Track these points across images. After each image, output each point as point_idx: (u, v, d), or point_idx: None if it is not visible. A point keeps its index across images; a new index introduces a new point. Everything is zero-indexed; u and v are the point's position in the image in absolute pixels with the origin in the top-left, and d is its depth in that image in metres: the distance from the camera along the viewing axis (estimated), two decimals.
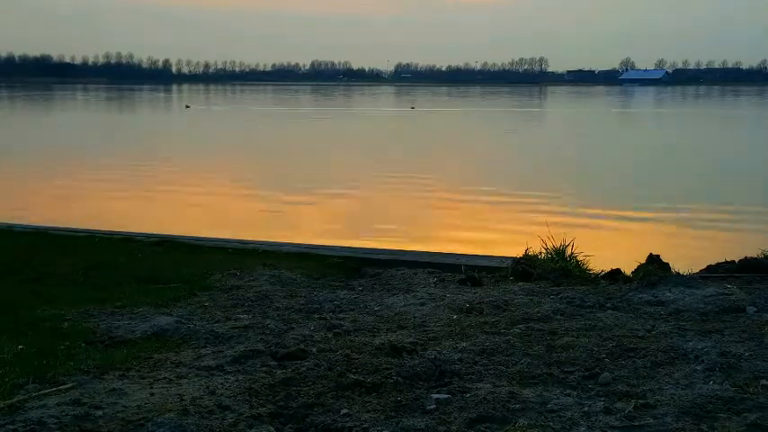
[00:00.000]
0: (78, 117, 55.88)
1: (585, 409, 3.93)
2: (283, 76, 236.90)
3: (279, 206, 16.00)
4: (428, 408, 3.99)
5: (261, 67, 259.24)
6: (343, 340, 5.21)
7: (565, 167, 22.25)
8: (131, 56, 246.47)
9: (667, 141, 33.51)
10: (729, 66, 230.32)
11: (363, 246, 9.92)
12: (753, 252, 7.35)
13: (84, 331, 5.41)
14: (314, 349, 4.96)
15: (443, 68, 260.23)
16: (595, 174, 21.19)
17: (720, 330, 5.27)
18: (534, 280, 6.99)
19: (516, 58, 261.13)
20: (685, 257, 9.08)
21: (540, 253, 7.48)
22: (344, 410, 3.94)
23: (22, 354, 4.83)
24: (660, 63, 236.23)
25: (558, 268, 7.16)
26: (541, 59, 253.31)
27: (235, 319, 5.81)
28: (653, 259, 7.30)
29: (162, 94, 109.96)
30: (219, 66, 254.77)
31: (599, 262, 7.63)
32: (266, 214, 15.11)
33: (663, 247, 9.59)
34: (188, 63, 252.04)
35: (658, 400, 4.02)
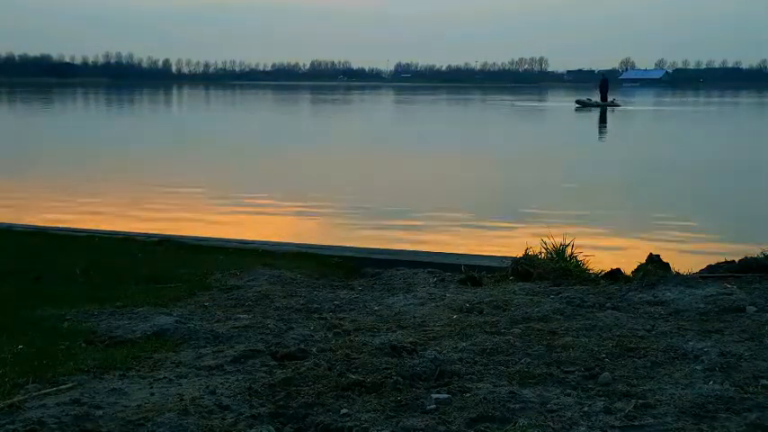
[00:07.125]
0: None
1: (585, 408, 3.93)
2: (283, 76, 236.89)
3: None
4: (428, 407, 4.00)
5: (261, 67, 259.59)
6: (343, 340, 5.21)
7: (563, 168, 22.24)
8: (131, 56, 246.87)
9: (667, 142, 33.50)
10: (729, 66, 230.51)
11: (363, 246, 9.91)
12: (753, 252, 7.35)
13: (84, 331, 5.41)
14: (314, 349, 4.96)
15: (443, 68, 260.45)
16: (594, 174, 21.18)
17: (720, 330, 5.27)
18: (534, 280, 6.99)
19: (516, 58, 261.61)
20: (685, 257, 9.09)
21: (540, 253, 7.48)
22: (344, 410, 3.95)
23: (22, 354, 4.83)
24: (660, 63, 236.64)
25: (558, 268, 7.16)
26: (541, 59, 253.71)
27: (235, 319, 5.81)
28: (653, 259, 7.31)
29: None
30: (219, 66, 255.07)
31: (599, 262, 7.63)
32: None
33: (663, 247, 9.60)
34: (188, 63, 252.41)
35: (658, 400, 4.03)
